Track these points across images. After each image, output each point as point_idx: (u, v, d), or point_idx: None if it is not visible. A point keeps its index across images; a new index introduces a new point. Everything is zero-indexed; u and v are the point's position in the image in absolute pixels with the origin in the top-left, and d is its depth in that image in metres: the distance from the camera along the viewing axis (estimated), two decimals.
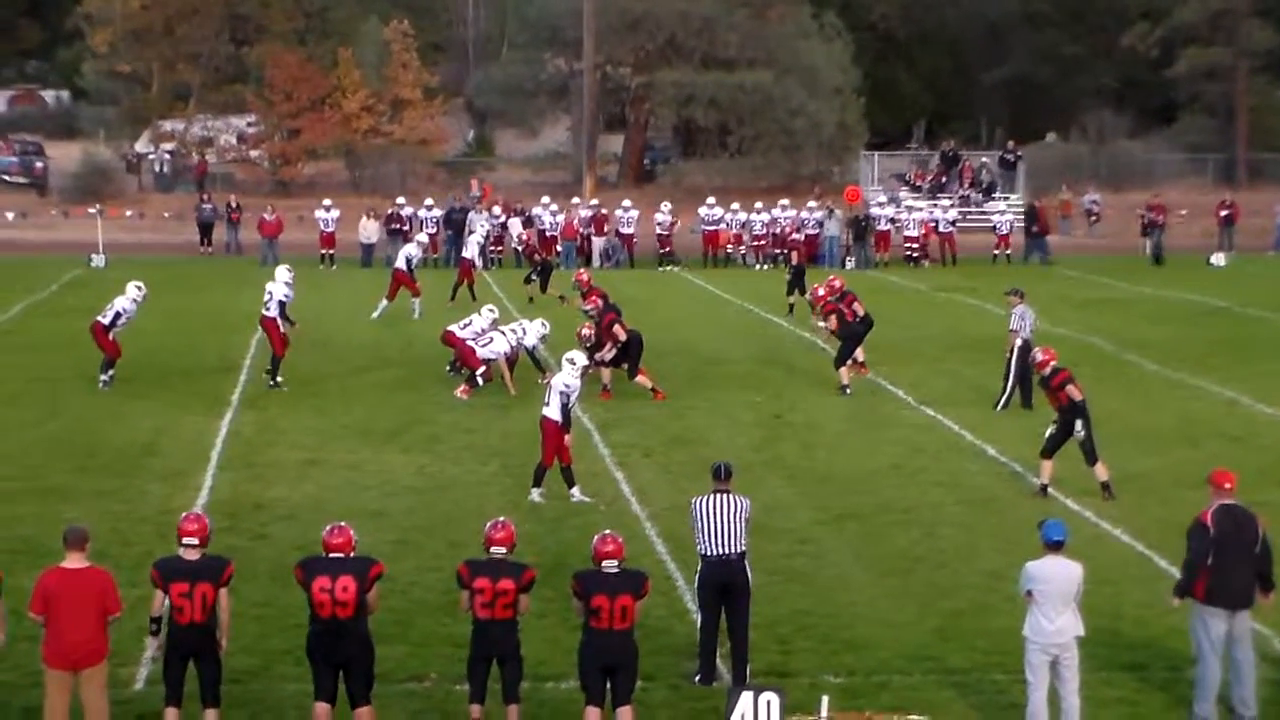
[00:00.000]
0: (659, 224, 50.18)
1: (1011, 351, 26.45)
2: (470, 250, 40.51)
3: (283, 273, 28.78)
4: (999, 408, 26.20)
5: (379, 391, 27.77)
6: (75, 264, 46.37)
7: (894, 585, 17.53)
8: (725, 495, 14.71)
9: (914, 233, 50.36)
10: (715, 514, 14.56)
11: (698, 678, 14.61)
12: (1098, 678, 14.46)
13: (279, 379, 27.55)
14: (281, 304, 27.94)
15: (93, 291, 40.34)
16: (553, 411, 20.25)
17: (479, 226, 46.19)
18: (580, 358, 21.26)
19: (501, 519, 13.43)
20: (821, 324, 28.33)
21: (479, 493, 21.03)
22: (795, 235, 48.96)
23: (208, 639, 12.78)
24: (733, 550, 14.53)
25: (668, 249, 49.82)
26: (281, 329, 27.86)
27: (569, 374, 20.57)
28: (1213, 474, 14.50)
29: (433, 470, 22.23)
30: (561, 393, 20.33)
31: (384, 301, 36.29)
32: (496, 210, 50.08)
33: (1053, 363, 21.20)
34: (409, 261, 36.78)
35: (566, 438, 20.49)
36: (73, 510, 19.27)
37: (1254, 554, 13.99)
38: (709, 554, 14.55)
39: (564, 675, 14.20)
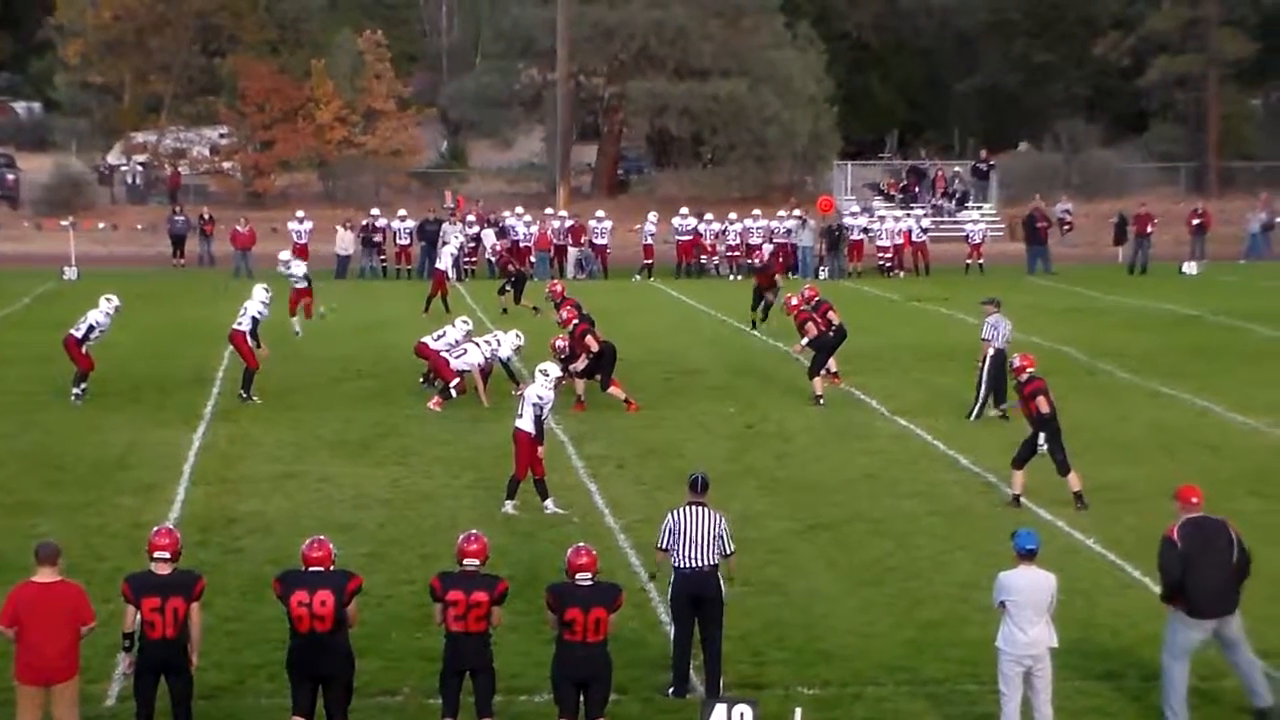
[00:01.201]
0: (648, 234, 50.18)
1: (983, 361, 26.53)
2: (444, 261, 40.43)
3: (260, 292, 28.69)
4: (972, 417, 26.24)
5: (352, 404, 27.71)
6: (47, 277, 46.21)
7: (867, 596, 17.54)
8: (701, 508, 14.70)
9: (888, 243, 50.47)
10: (691, 526, 14.55)
11: (671, 690, 14.60)
12: (1071, 688, 14.49)
13: (252, 394, 27.46)
14: (255, 320, 27.88)
15: (65, 304, 40.19)
16: (525, 423, 20.24)
17: (453, 238, 46.16)
18: (554, 369, 21.22)
19: (474, 531, 13.40)
20: (804, 342, 28.25)
21: (452, 505, 21.00)
22: (767, 244, 49.23)
23: (179, 654, 12.72)
24: (705, 562, 14.52)
25: (651, 260, 49.89)
26: (249, 345, 27.78)
27: (542, 385, 20.55)
28: (1179, 490, 14.56)
29: (406, 483, 22.18)
30: (534, 404, 20.31)
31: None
32: (471, 219, 50.05)
33: (1030, 370, 21.22)
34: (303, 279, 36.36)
35: (540, 450, 20.47)
36: (44, 524, 19.23)
37: (1231, 561, 13.99)
38: (681, 566, 14.54)
39: (537, 688, 14.18)
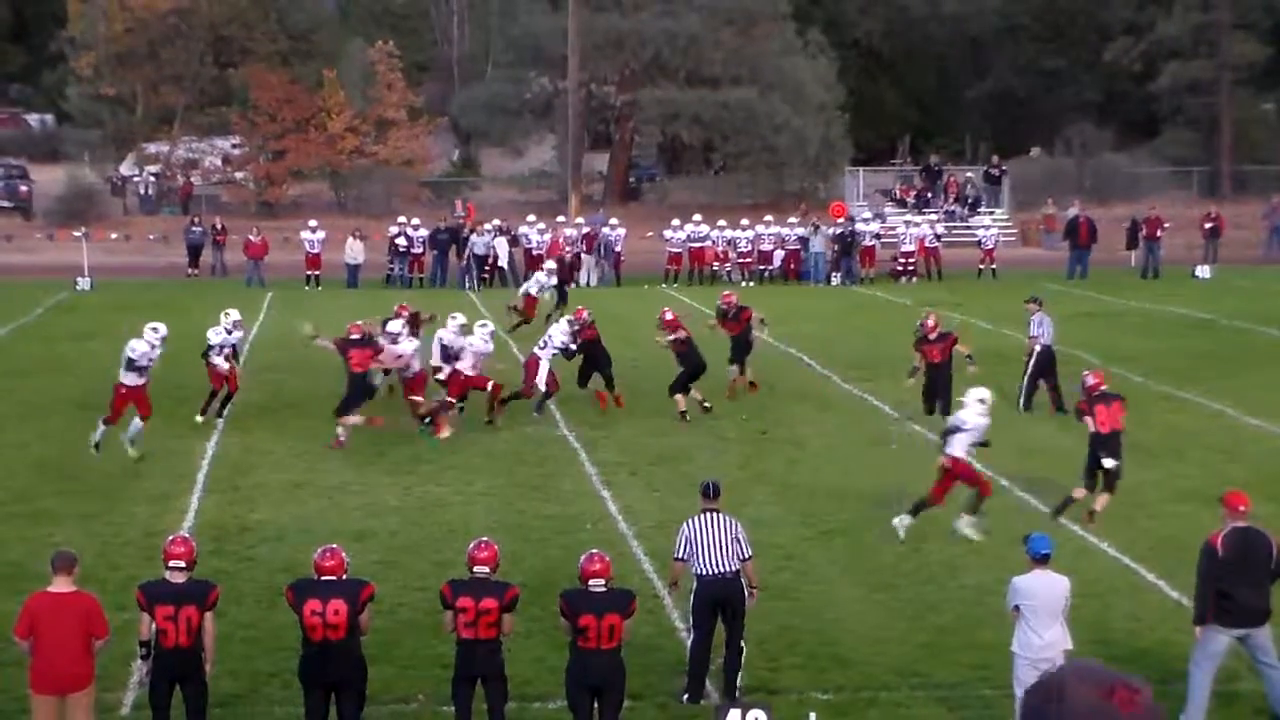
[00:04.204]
0: (674, 240, 50.20)
1: (1030, 356, 27.39)
2: (532, 286, 38.08)
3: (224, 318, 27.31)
4: (1020, 409, 27.11)
5: (363, 412, 27.62)
6: (61, 287, 46.29)
7: (881, 600, 17.53)
8: (715, 514, 14.73)
9: (911, 248, 50.31)
10: (708, 533, 14.57)
11: (685, 696, 14.59)
12: None
13: (210, 412, 26.55)
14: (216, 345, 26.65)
15: (78, 315, 40.36)
16: (956, 450, 19.42)
17: (481, 247, 46.83)
18: (984, 394, 20.05)
19: (485, 539, 13.42)
20: (670, 337, 27.29)
21: (464, 512, 21.01)
22: (778, 250, 49.39)
23: (194, 663, 12.74)
24: (728, 568, 14.55)
25: (677, 267, 49.91)
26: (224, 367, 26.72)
27: (977, 412, 19.66)
28: (1226, 496, 14.39)
29: (418, 490, 22.20)
30: (966, 432, 19.57)
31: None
32: (490, 226, 50.04)
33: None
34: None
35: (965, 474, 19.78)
36: (59, 533, 19.27)
37: (1267, 570, 13.91)
38: (704, 573, 14.56)
39: (551, 695, 14.18)
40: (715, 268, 50.20)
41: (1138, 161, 70.19)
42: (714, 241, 50.39)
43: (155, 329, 25.06)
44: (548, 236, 49.87)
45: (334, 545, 13.30)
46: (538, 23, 68.11)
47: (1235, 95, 70.48)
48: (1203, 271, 49.84)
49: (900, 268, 50.03)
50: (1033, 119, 76.76)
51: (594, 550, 13.44)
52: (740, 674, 14.66)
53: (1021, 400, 27.40)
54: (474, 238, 48.68)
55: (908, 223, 52.16)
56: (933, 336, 26.04)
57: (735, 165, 68.17)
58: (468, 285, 47.71)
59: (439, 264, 49.02)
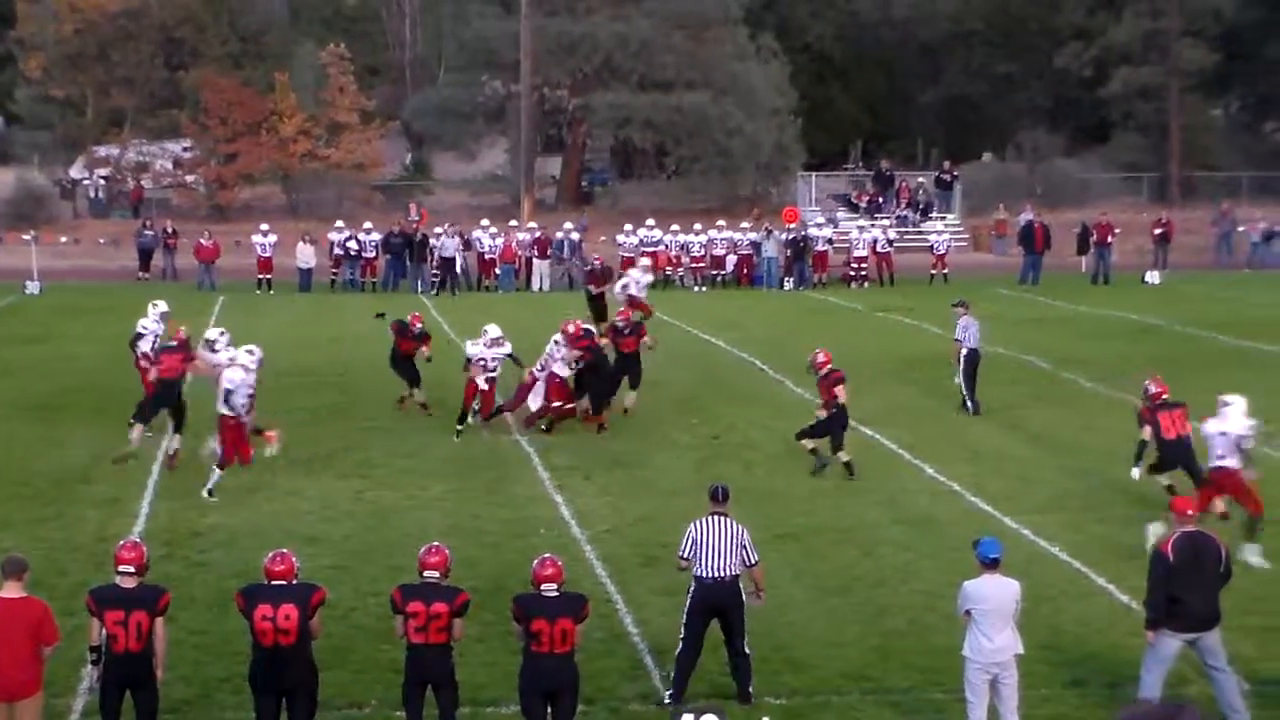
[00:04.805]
0: (622, 244, 50.11)
1: (958, 360, 27.71)
2: (630, 287, 34.79)
3: (151, 310, 26.96)
4: (970, 412, 27.52)
5: (315, 417, 27.59)
6: (10, 290, 46.02)
7: (833, 605, 17.57)
8: (722, 518, 14.75)
9: (863, 252, 50.53)
10: (712, 536, 14.60)
11: (669, 694, 14.60)
12: (1037, 695, 14.52)
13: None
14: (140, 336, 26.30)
15: (28, 319, 40.12)
16: (1232, 462, 19.06)
17: (447, 250, 46.90)
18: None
19: (435, 544, 13.39)
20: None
21: (418, 517, 20.95)
22: (730, 255, 49.41)
23: (144, 668, 12.67)
24: (727, 573, 14.59)
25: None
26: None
27: (1241, 410, 19.08)
28: (1173, 501, 14.59)
29: (371, 495, 22.14)
30: (1235, 439, 19.03)
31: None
32: (438, 230, 49.98)
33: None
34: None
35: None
36: (8, 539, 19.13)
37: (1217, 575, 14.03)
38: (704, 576, 14.59)
39: (504, 699, 14.16)
40: (668, 272, 50.25)
41: (1088, 167, 70.67)
42: (667, 246, 50.48)
43: (251, 351, 23.09)
44: (500, 240, 49.89)
45: (284, 550, 13.25)
46: (489, 26, 68.00)
47: (1184, 101, 70.99)
48: (1153, 277, 50.17)
49: (852, 272, 50.26)
50: (984, 124, 77.19)
51: (546, 555, 13.41)
52: (750, 683, 14.71)
53: (969, 404, 27.64)
54: (444, 240, 48.45)
55: (860, 227, 52.38)
56: (823, 373, 23.50)
57: (688, 169, 68.29)
58: (421, 289, 47.66)
59: (392, 269, 48.90)
